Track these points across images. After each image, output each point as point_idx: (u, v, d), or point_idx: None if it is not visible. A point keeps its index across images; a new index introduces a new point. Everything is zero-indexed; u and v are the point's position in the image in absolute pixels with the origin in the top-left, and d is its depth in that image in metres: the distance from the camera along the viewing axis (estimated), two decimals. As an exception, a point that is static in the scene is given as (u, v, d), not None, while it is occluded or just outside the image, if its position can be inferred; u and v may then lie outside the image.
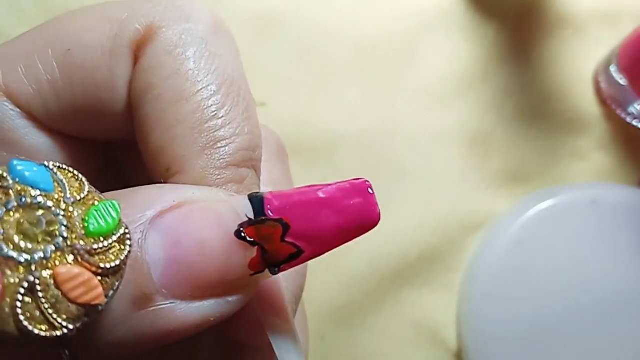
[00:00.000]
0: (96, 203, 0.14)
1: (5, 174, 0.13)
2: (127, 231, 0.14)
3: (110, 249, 0.14)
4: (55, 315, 0.13)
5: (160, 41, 0.18)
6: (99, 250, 0.14)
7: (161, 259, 0.15)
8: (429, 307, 0.38)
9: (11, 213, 0.13)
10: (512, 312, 0.37)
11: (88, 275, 0.13)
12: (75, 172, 0.15)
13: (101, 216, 0.14)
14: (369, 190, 0.16)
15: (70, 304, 0.13)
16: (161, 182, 0.18)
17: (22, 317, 0.13)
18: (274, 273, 0.16)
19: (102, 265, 0.14)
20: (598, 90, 0.43)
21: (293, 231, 0.16)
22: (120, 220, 0.14)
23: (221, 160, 0.17)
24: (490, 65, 0.42)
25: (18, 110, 0.18)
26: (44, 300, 0.13)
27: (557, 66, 0.43)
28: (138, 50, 0.18)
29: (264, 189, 0.20)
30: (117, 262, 0.14)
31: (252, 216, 0.16)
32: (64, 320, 0.13)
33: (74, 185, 0.14)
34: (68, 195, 0.14)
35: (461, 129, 0.41)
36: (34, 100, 0.18)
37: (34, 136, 0.18)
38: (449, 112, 0.41)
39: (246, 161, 0.18)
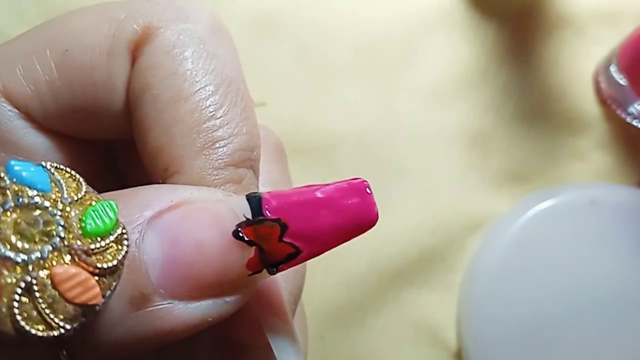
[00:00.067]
0: (93, 203, 0.14)
1: (2, 174, 0.13)
2: (124, 231, 0.14)
3: (107, 249, 0.14)
4: (52, 315, 0.13)
5: (158, 41, 0.18)
6: (96, 250, 0.14)
7: (159, 259, 0.15)
8: (429, 307, 0.38)
9: (8, 213, 0.13)
10: (512, 312, 0.37)
11: (85, 275, 0.13)
12: (73, 173, 0.15)
13: (98, 216, 0.14)
14: (367, 189, 0.16)
15: (67, 304, 0.13)
16: (159, 183, 0.18)
17: (19, 317, 0.12)
18: (272, 273, 0.16)
19: (99, 265, 0.13)
20: (598, 90, 0.42)
21: (291, 231, 0.16)
22: (117, 220, 0.14)
23: (219, 161, 0.17)
24: (490, 65, 0.42)
25: (16, 110, 0.18)
26: (41, 301, 0.13)
27: (557, 66, 0.43)
28: (136, 51, 0.18)
29: (263, 189, 0.20)
30: (115, 262, 0.14)
31: (250, 216, 0.16)
32: (61, 320, 0.13)
33: (71, 185, 0.14)
34: (65, 196, 0.14)
35: (461, 129, 0.41)
36: (32, 101, 0.18)
37: (31, 136, 0.18)
38: (449, 112, 0.41)
39: (244, 161, 0.18)
